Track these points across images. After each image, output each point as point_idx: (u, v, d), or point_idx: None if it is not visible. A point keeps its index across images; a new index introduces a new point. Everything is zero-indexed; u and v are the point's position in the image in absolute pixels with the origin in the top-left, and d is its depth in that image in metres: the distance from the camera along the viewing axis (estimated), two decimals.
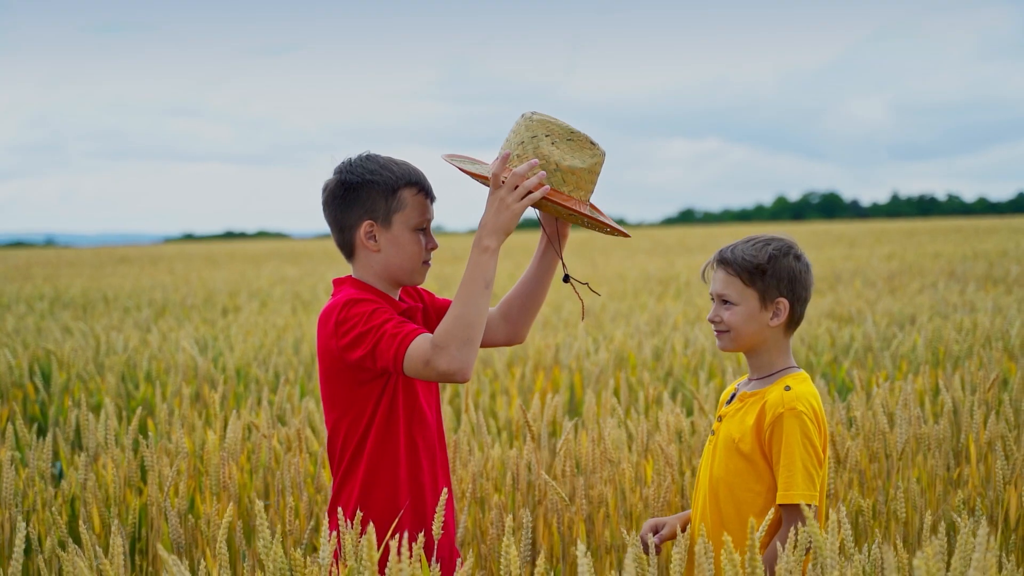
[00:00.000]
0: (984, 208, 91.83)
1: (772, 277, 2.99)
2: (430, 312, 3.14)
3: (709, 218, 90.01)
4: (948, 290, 12.01)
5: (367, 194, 2.98)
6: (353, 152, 3.06)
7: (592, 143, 2.97)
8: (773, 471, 2.94)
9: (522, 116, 3.00)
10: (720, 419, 3.08)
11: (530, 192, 2.85)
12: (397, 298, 3.05)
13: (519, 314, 3.22)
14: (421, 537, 2.56)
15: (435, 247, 3.07)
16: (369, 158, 3.02)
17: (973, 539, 2.46)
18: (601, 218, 2.99)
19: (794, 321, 3.06)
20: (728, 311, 3.03)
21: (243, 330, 9.24)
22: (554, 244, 3.14)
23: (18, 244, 77.39)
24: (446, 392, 6.11)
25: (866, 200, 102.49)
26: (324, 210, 3.08)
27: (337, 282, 3.06)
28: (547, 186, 2.87)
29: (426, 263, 3.05)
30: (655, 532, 3.18)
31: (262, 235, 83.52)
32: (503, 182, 2.85)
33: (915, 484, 4.36)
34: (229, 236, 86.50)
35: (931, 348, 6.90)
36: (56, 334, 8.97)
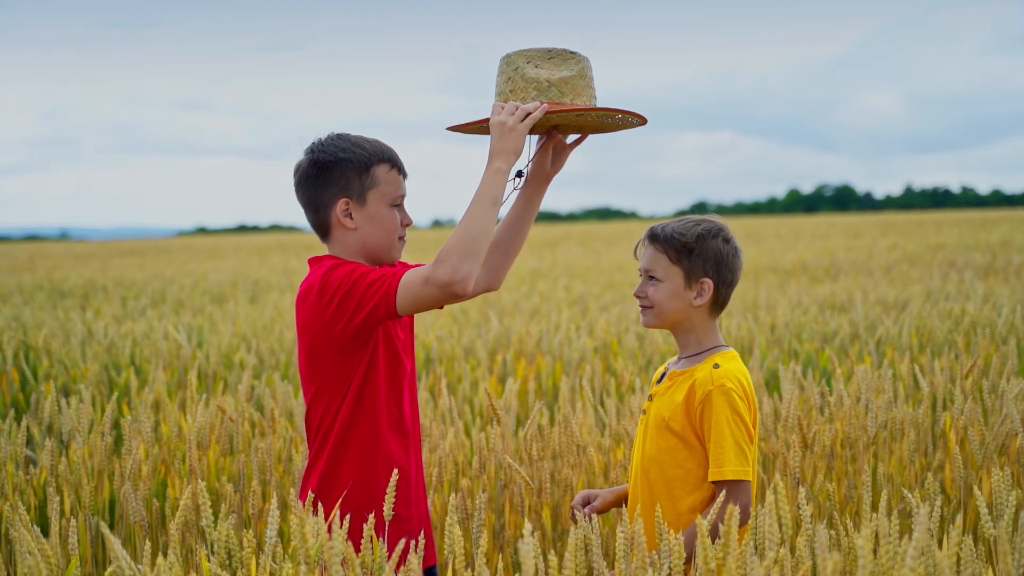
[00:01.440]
0: (998, 200, 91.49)
1: (699, 256, 3.00)
2: None
3: (722, 211, 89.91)
4: (945, 279, 11.97)
5: (341, 172, 2.98)
6: (323, 133, 3.07)
7: (572, 53, 3.03)
8: (705, 449, 2.94)
9: (500, 59, 3.06)
10: (651, 398, 3.08)
11: (529, 114, 2.91)
12: None
13: (500, 259, 3.23)
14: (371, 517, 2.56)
15: (410, 223, 3.08)
16: (340, 137, 3.03)
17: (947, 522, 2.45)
18: (612, 107, 3.00)
19: (719, 303, 3.07)
20: (653, 287, 3.04)
21: (230, 319, 9.26)
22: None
23: (32, 238, 77.56)
24: (424, 380, 6.10)
25: (879, 193, 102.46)
26: (297, 191, 3.07)
27: (314, 260, 3.05)
28: (544, 104, 2.93)
29: (401, 239, 3.06)
30: (587, 504, 3.19)
31: (275, 228, 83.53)
32: (502, 109, 2.93)
33: (886, 469, 4.36)
34: (242, 229, 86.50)
35: (918, 335, 6.88)
36: (50, 323, 8.98)
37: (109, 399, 6.32)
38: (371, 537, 2.54)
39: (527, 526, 2.11)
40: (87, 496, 4.05)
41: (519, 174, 3.13)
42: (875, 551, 2.81)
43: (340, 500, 2.93)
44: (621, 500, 3.22)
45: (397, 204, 3.03)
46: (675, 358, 3.14)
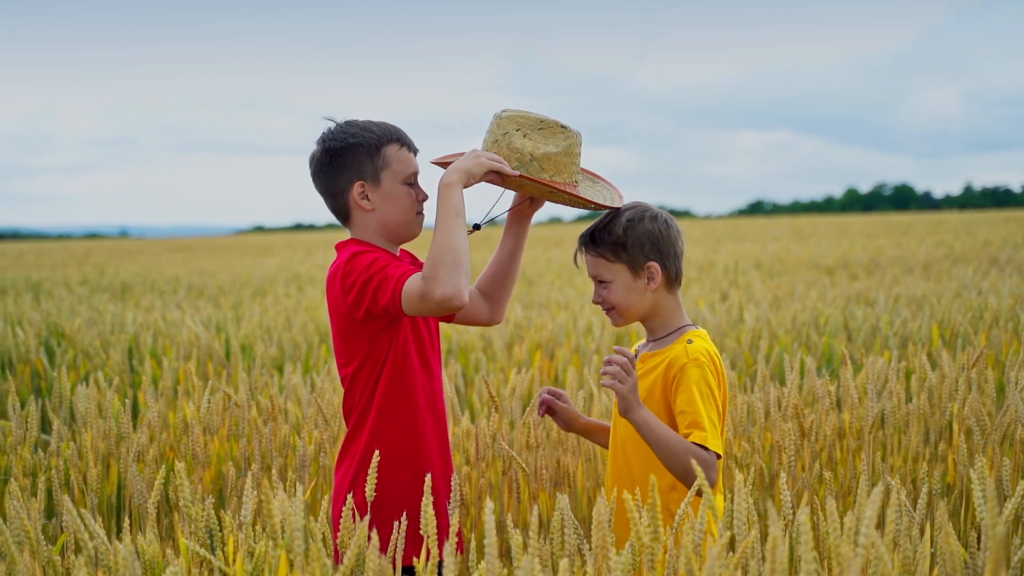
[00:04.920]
0: None
1: (634, 245, 3.02)
2: None
3: (778, 210, 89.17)
4: (984, 276, 11.86)
5: (353, 157, 3.05)
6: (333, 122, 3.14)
7: (563, 127, 3.04)
8: (674, 418, 2.96)
9: (494, 115, 3.08)
10: None
11: (500, 165, 2.96)
12: (398, 256, 3.13)
13: (499, 293, 3.32)
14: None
15: (426, 198, 3.14)
16: (349, 123, 3.10)
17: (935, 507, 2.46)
18: (583, 193, 3.04)
19: (673, 279, 3.08)
20: (606, 290, 3.08)
21: (258, 311, 9.35)
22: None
23: (93, 236, 78.37)
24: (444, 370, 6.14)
25: (939, 192, 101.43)
26: (314, 181, 3.15)
27: (339, 245, 3.13)
28: (515, 170, 2.98)
29: (420, 214, 3.13)
30: (557, 399, 3.26)
31: (331, 227, 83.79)
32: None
33: (887, 459, 4.36)
34: (298, 228, 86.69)
35: (939, 329, 6.84)
36: (82, 314, 9.12)
37: (132, 387, 6.43)
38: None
39: (489, 504, 2.14)
40: (93, 479, 4.13)
41: (476, 227, 3.13)
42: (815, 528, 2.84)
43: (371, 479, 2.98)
44: (589, 431, 3.26)
45: (411, 182, 3.10)
46: (644, 340, 3.17)
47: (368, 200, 3.07)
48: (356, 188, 3.06)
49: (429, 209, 3.12)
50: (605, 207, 3.06)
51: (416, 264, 3.22)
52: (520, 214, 3.25)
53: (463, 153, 3.03)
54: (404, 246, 3.23)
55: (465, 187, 2.95)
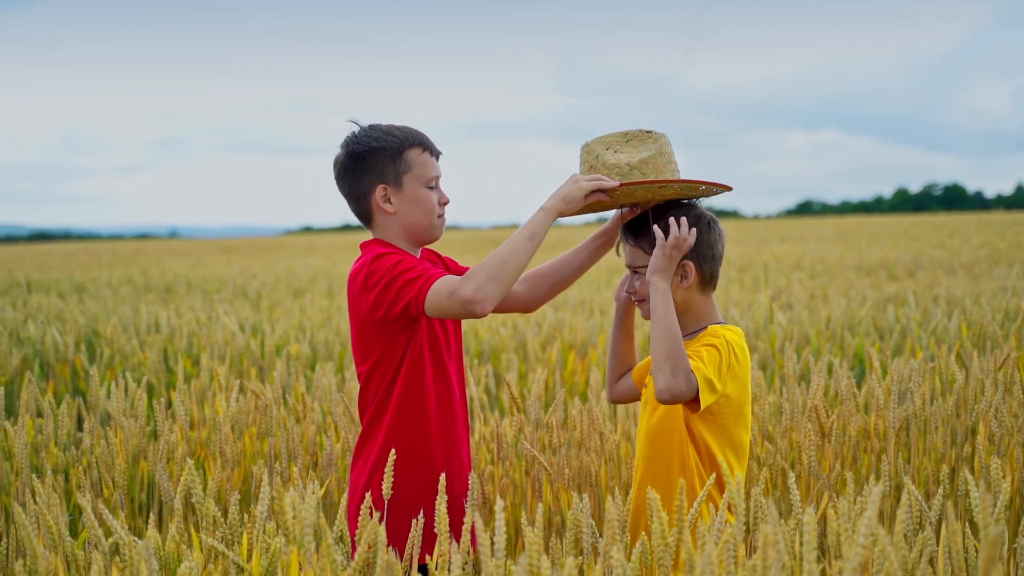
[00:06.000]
0: None
1: None
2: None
3: (827, 210, 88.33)
4: (1022, 277, 11.77)
5: (375, 161, 3.11)
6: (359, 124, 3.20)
7: (647, 132, 3.09)
8: (688, 430, 3.00)
9: (581, 148, 3.14)
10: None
11: (601, 183, 3.00)
12: (419, 258, 3.18)
13: (546, 289, 3.38)
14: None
15: (447, 202, 3.20)
16: (372, 127, 3.16)
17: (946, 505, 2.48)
18: (695, 179, 3.06)
19: (707, 280, 3.11)
20: (640, 281, 3.12)
21: (296, 312, 9.44)
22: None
23: (143, 236, 78.84)
24: (476, 371, 6.18)
25: (990, 192, 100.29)
26: (338, 183, 3.21)
27: (364, 244, 3.19)
28: (618, 181, 3.01)
29: (440, 216, 3.18)
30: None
31: None
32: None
33: (917, 460, 4.36)
34: (346, 228, 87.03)
35: (973, 329, 6.81)
36: (121, 314, 9.23)
37: (168, 387, 6.52)
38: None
39: (499, 502, 2.18)
40: (120, 476, 4.20)
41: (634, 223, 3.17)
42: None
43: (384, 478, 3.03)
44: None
45: (432, 185, 3.15)
46: None
47: (390, 203, 3.12)
48: (378, 191, 3.12)
49: (451, 212, 3.18)
50: (719, 185, 3.06)
51: (438, 265, 3.27)
52: (611, 239, 3.31)
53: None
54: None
55: (566, 215, 3.02)
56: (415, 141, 3.13)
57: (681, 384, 2.85)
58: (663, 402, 2.88)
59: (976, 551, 2.81)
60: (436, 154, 3.18)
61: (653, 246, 3.05)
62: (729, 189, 3.10)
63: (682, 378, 2.85)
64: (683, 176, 3.10)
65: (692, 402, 2.94)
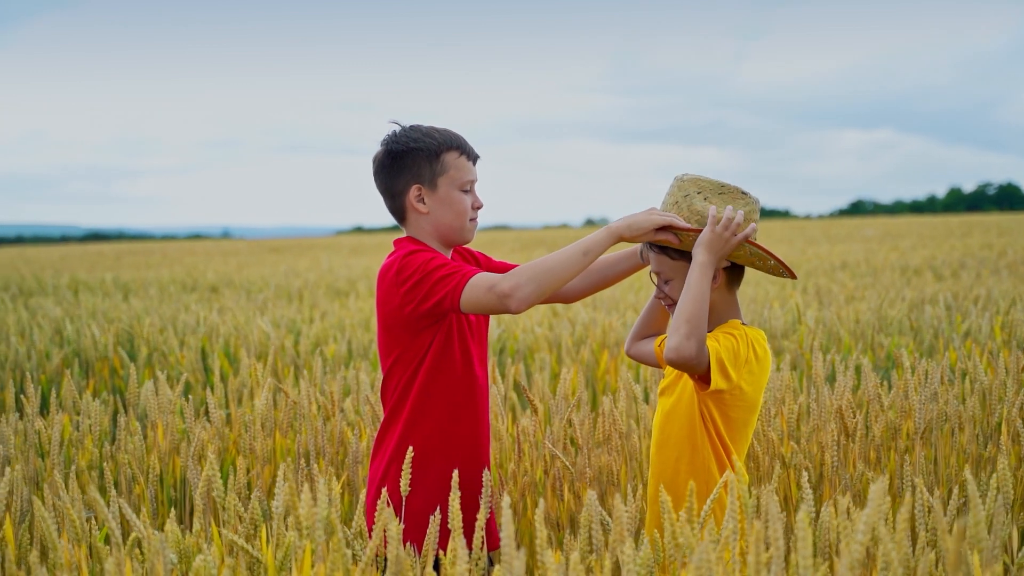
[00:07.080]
0: None
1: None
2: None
3: (879, 210, 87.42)
4: None
5: (413, 161, 3.17)
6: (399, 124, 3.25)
7: (743, 192, 3.08)
8: (703, 426, 3.04)
9: (674, 178, 3.14)
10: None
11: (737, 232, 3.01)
12: (450, 258, 3.24)
13: (590, 282, 3.40)
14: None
15: (480, 206, 3.25)
16: (413, 128, 3.21)
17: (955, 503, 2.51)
18: (784, 262, 3.08)
19: (733, 277, 3.14)
20: (668, 286, 3.14)
21: (340, 308, 9.53)
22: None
23: (196, 236, 79.44)
24: (508, 370, 6.22)
25: None
26: (375, 180, 3.28)
27: (397, 241, 3.25)
28: (753, 225, 3.04)
29: (473, 220, 3.23)
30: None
31: None
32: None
33: (934, 461, 4.36)
34: (396, 229, 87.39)
35: (1006, 330, 6.79)
36: (161, 313, 9.36)
37: (205, 386, 6.63)
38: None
39: (506, 499, 2.23)
40: (151, 472, 4.29)
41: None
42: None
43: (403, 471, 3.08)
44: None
45: (467, 189, 3.20)
46: None
47: (424, 203, 3.18)
48: (413, 191, 3.18)
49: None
50: (786, 268, 3.08)
51: (471, 262, 3.32)
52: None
53: (693, 229, 3.06)
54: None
55: (627, 240, 3.04)
56: (453, 144, 3.18)
57: (692, 349, 2.86)
58: (669, 362, 2.89)
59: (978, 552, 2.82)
60: (474, 158, 3.23)
61: (678, 252, 3.08)
62: (794, 278, 3.16)
63: (695, 344, 2.86)
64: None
65: (700, 380, 2.97)
